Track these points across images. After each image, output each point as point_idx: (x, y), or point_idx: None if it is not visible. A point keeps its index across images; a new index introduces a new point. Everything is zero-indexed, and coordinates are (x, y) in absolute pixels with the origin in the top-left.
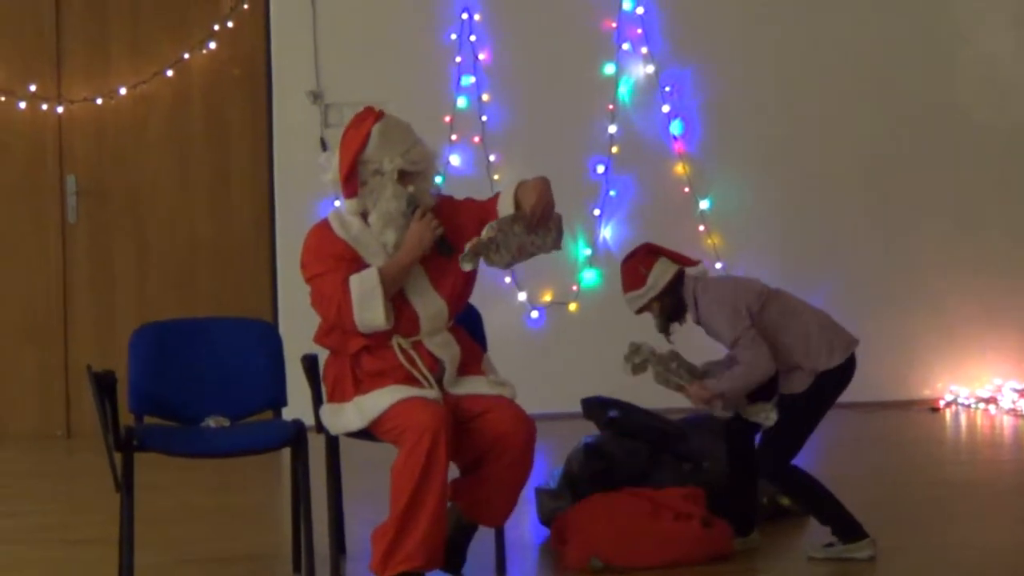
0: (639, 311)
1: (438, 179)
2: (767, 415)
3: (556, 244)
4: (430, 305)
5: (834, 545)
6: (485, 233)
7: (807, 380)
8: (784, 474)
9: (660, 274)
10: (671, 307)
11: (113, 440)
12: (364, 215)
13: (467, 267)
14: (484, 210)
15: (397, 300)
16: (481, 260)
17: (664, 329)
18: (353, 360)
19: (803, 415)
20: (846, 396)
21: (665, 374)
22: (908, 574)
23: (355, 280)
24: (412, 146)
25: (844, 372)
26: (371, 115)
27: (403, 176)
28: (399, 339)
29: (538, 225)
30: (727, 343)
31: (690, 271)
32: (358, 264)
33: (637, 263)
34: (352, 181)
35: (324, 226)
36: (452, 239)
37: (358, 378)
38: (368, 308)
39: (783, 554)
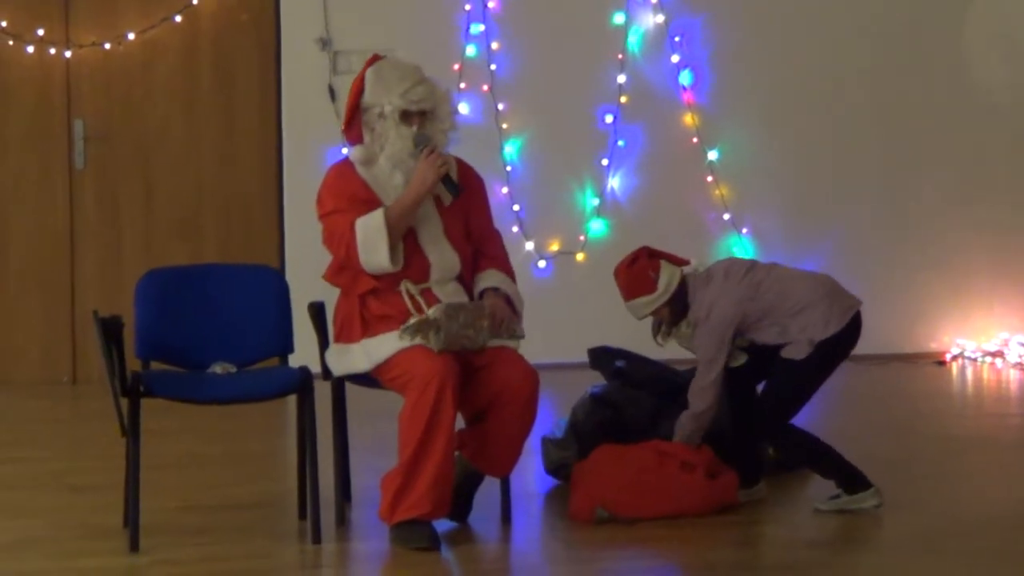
0: (645, 317)
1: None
2: (735, 358)
3: (484, 344)
4: (443, 255)
5: (839, 496)
6: (432, 313)
7: (806, 349)
8: (780, 434)
9: (670, 278)
10: (678, 311)
11: (119, 386)
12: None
13: (405, 342)
14: (473, 207)
15: (410, 246)
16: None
17: (668, 333)
18: (361, 301)
19: (802, 379)
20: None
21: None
22: (915, 528)
23: (360, 222)
24: (413, 86)
25: (846, 336)
26: (371, 61)
27: (408, 117)
28: (408, 284)
29: (489, 328)
30: (700, 357)
31: (686, 271)
32: (373, 205)
33: (644, 267)
34: (354, 128)
35: (346, 164)
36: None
37: (366, 320)
38: (373, 250)
39: (789, 506)
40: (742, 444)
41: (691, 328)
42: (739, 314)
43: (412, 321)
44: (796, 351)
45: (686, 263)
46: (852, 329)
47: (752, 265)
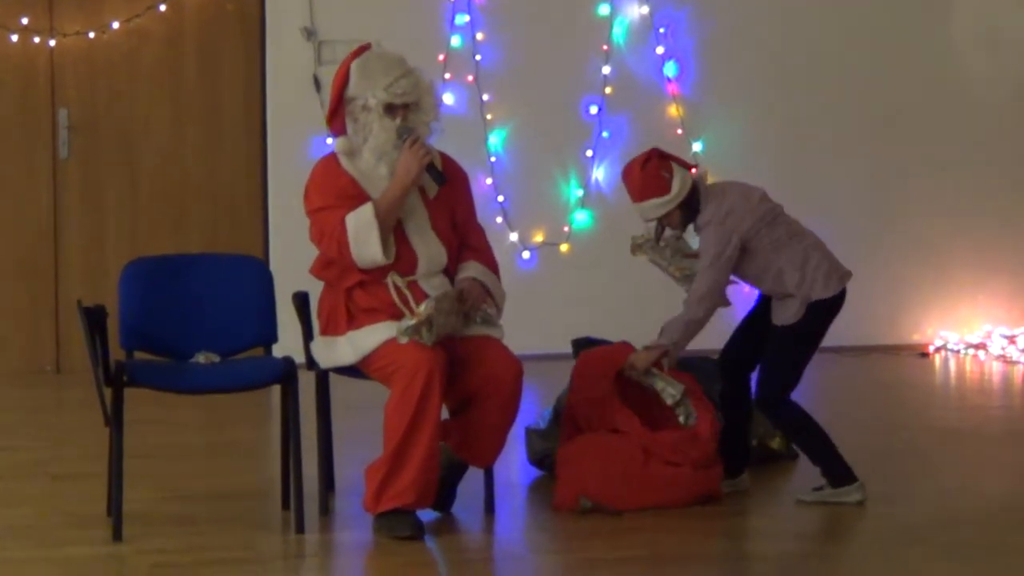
0: (656, 220)
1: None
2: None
3: (463, 329)
4: (430, 247)
5: (823, 488)
6: (423, 310)
7: (799, 311)
8: (782, 408)
9: (682, 180)
10: (688, 215)
11: (103, 375)
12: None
13: (403, 340)
14: (458, 200)
15: (397, 238)
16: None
17: (677, 237)
18: (347, 294)
19: (797, 345)
20: (835, 340)
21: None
22: (897, 520)
23: (351, 218)
24: (397, 78)
25: (836, 304)
26: (356, 52)
27: (392, 109)
28: (394, 277)
29: (463, 310)
30: (703, 260)
31: (696, 175)
32: (361, 200)
33: (657, 168)
34: (337, 119)
35: (331, 159)
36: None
37: (352, 313)
38: (365, 244)
39: (772, 497)
40: (731, 434)
41: (696, 233)
42: (754, 231)
43: (410, 324)
44: (789, 312)
45: (695, 166)
46: (841, 298)
47: (767, 195)
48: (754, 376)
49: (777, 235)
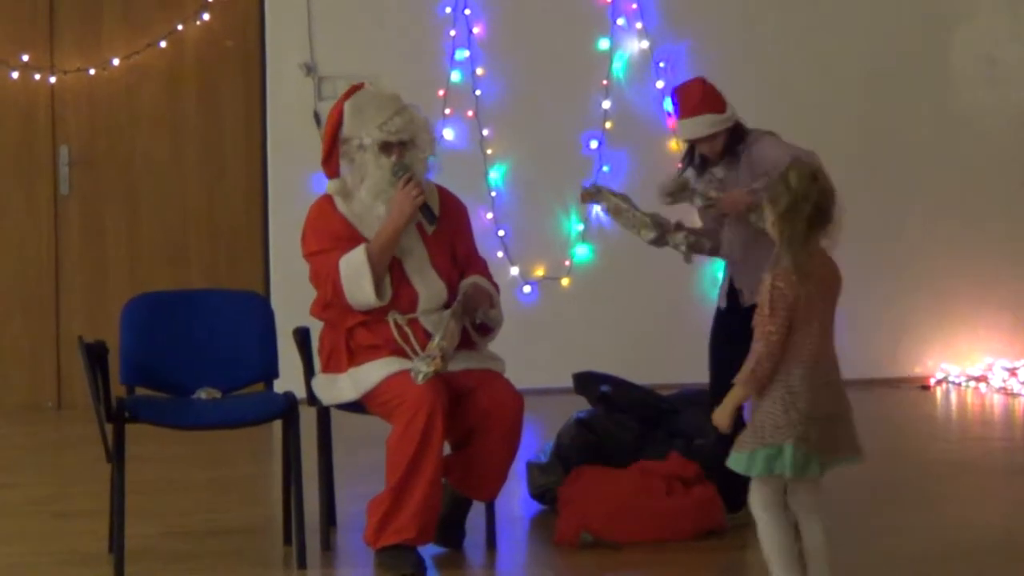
0: (699, 140)
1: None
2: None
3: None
4: (430, 285)
5: None
6: (436, 348)
7: None
8: None
9: (734, 110)
10: (732, 144)
11: (104, 411)
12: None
13: (421, 381)
14: (457, 234)
15: (397, 277)
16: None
17: (716, 163)
18: (348, 333)
19: None
20: None
21: (624, 211)
22: (900, 552)
23: (343, 262)
24: (391, 117)
25: None
26: (350, 92)
27: (387, 147)
28: (395, 315)
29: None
30: (783, 162)
31: None
32: (356, 242)
33: (715, 88)
34: (332, 160)
35: (326, 201)
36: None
37: (352, 350)
38: (358, 288)
39: None
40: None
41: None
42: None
43: (428, 371)
44: None
45: None
46: None
47: None
48: None
49: None
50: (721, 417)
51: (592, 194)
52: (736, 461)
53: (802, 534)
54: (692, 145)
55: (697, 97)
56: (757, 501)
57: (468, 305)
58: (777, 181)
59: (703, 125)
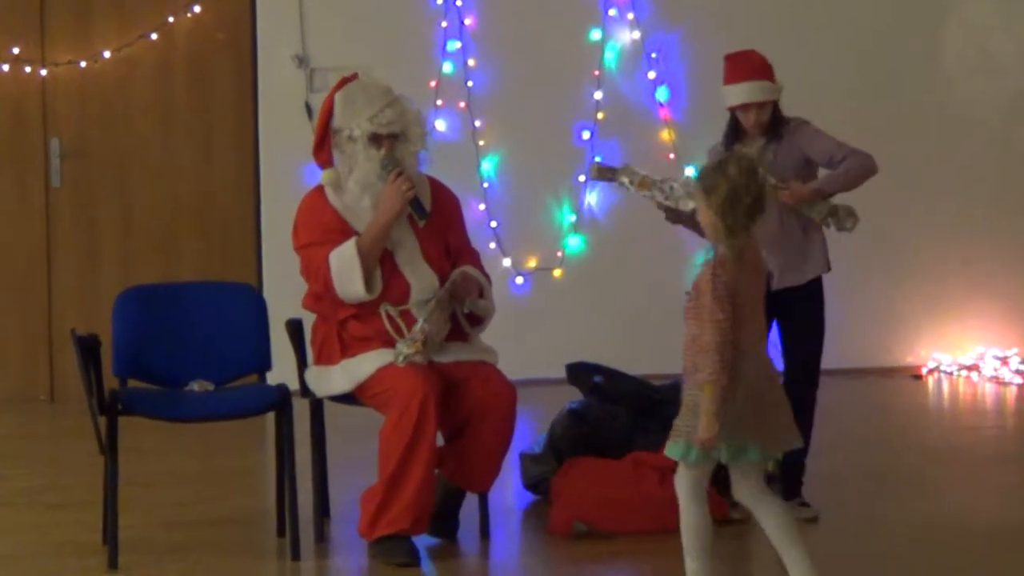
0: (751, 105)
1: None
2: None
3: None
4: (422, 277)
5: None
6: (418, 332)
7: (825, 266)
8: (815, 389)
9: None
10: (775, 114)
11: (97, 404)
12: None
13: (401, 363)
14: (450, 227)
15: (388, 269)
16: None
17: (734, 141)
18: (340, 325)
19: (822, 311)
20: (829, 362)
21: (655, 183)
22: (893, 540)
23: (334, 256)
24: (382, 108)
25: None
26: (342, 83)
27: (377, 140)
28: (387, 307)
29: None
30: (836, 156)
31: None
32: (348, 235)
33: (765, 57)
34: (323, 151)
35: (317, 193)
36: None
37: (345, 342)
38: (348, 281)
39: None
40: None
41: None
42: None
43: (408, 352)
44: (815, 262)
45: None
46: None
47: None
48: None
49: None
50: (709, 431)
51: (608, 171)
52: (672, 450)
53: (761, 521)
54: (734, 116)
55: (758, 62)
56: (683, 485)
57: (456, 293)
58: (714, 170)
59: (760, 91)
